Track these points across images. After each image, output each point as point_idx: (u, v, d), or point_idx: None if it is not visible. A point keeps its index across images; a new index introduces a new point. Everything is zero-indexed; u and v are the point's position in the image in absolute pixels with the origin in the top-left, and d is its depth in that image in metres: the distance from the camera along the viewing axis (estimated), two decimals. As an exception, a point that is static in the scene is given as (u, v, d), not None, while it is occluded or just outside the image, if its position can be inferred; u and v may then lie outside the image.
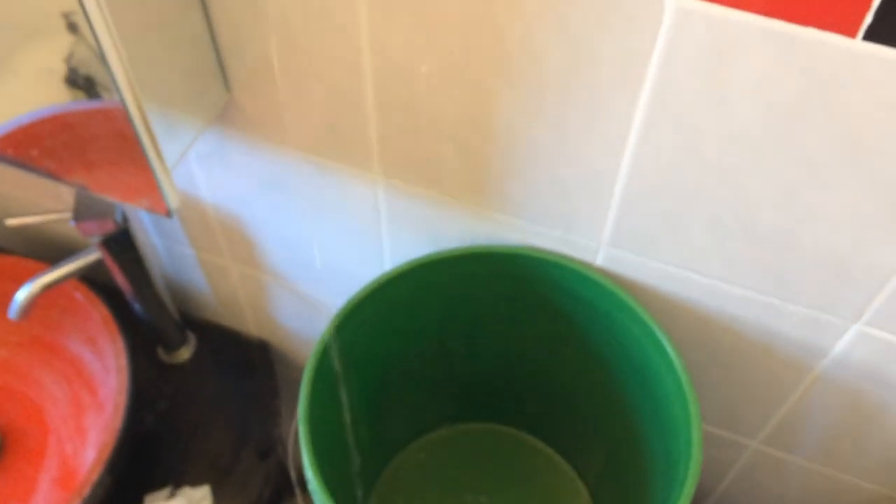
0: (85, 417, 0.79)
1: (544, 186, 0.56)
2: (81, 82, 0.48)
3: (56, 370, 0.82)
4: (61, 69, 0.48)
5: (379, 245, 0.69)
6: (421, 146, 0.57)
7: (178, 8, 0.51)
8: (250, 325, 0.91)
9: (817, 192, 0.47)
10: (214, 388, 0.85)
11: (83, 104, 0.50)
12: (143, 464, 0.78)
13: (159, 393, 0.84)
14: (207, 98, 0.58)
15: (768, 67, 0.42)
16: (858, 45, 0.39)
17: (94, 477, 0.66)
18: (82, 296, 0.77)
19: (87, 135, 0.52)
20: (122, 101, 0.47)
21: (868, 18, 0.38)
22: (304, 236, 0.72)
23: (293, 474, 0.82)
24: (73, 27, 0.44)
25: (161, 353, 0.87)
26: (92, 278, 0.77)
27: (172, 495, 0.76)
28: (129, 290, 0.76)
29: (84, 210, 0.68)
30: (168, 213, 0.54)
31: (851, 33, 0.38)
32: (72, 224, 0.68)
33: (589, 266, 0.61)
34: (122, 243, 0.71)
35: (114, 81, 0.46)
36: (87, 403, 0.79)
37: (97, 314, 0.76)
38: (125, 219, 0.69)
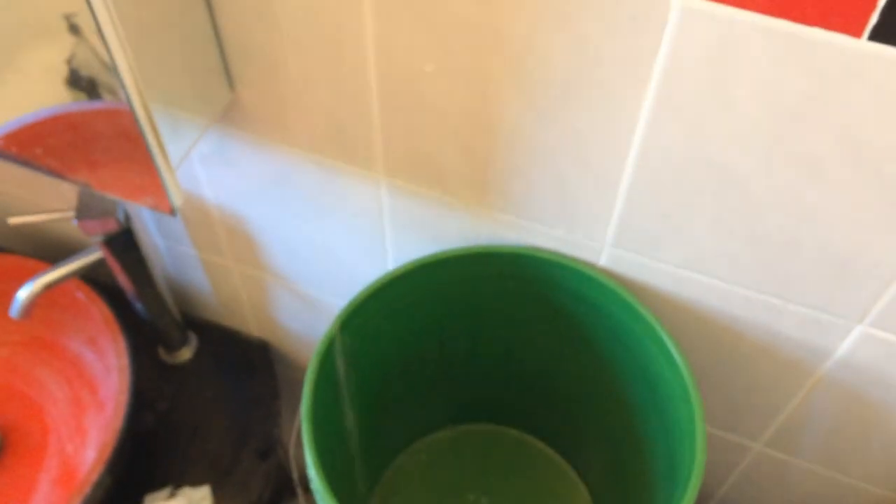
0: (85, 417, 0.79)
1: (548, 186, 0.56)
2: (83, 83, 0.48)
3: (57, 370, 0.82)
4: (63, 70, 0.48)
5: (382, 245, 0.69)
6: (424, 146, 0.57)
7: (182, 7, 0.51)
8: (251, 326, 0.91)
9: (822, 193, 0.47)
10: (215, 389, 0.84)
11: (88, 103, 0.50)
12: (144, 464, 0.78)
13: (160, 393, 0.84)
14: (211, 97, 0.58)
15: (774, 67, 0.42)
16: (864, 46, 0.39)
17: (94, 477, 0.66)
18: (84, 295, 0.77)
19: (91, 134, 0.52)
20: (128, 100, 0.47)
21: (874, 18, 0.38)
22: (307, 236, 0.72)
23: (294, 474, 0.82)
24: (74, 28, 0.44)
25: (162, 353, 0.87)
26: (93, 278, 0.77)
27: (172, 495, 0.76)
28: (131, 290, 0.76)
29: (86, 209, 0.68)
30: (172, 212, 0.54)
31: (857, 33, 0.38)
32: (74, 223, 0.68)
33: (592, 266, 0.61)
34: (124, 243, 0.71)
35: (120, 80, 0.46)
36: (87, 403, 0.79)
37: (98, 314, 0.76)
38: (127, 218, 0.69)
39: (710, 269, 0.56)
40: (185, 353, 0.87)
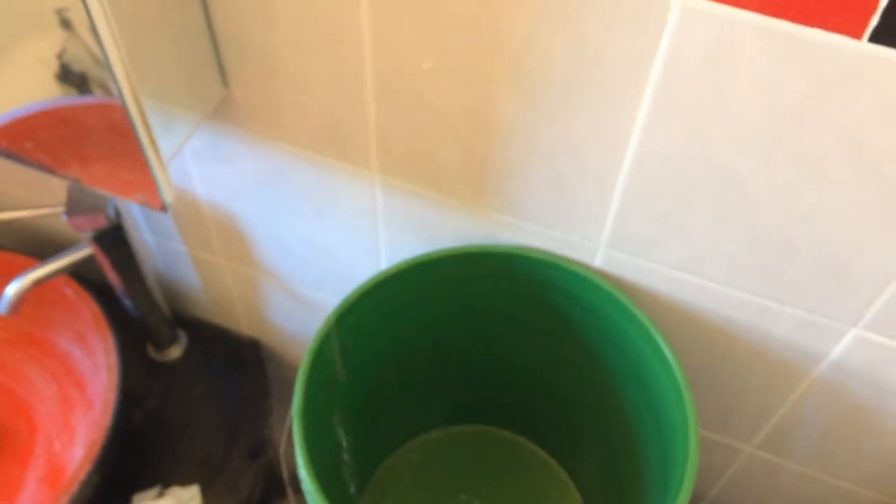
0: (73, 415, 0.78)
1: (544, 186, 0.56)
2: (74, 78, 0.48)
3: (45, 367, 0.81)
4: (54, 65, 0.47)
5: (375, 244, 0.68)
6: (420, 144, 0.57)
7: (176, 2, 0.50)
8: (242, 324, 0.91)
9: (821, 193, 0.47)
10: (205, 387, 0.84)
11: (79, 98, 0.49)
12: (132, 462, 0.78)
13: (149, 391, 0.83)
14: (204, 93, 0.57)
15: (773, 67, 0.42)
16: (864, 47, 0.39)
17: (82, 476, 0.65)
18: (73, 292, 0.76)
19: (83, 128, 0.51)
20: (120, 94, 0.47)
21: (874, 20, 0.38)
22: (300, 234, 0.72)
23: (285, 474, 0.81)
24: (65, 23, 0.44)
25: (151, 351, 0.86)
26: (83, 274, 0.76)
27: (161, 495, 0.75)
28: (121, 287, 0.75)
29: (76, 205, 0.67)
30: (163, 208, 0.54)
31: (857, 34, 0.38)
32: (63, 219, 0.67)
33: (587, 267, 0.61)
34: (114, 239, 0.70)
35: (112, 75, 0.46)
36: (75, 401, 0.78)
37: (87, 311, 0.75)
38: (118, 214, 0.69)
39: (707, 271, 0.56)
40: (175, 351, 0.86)
